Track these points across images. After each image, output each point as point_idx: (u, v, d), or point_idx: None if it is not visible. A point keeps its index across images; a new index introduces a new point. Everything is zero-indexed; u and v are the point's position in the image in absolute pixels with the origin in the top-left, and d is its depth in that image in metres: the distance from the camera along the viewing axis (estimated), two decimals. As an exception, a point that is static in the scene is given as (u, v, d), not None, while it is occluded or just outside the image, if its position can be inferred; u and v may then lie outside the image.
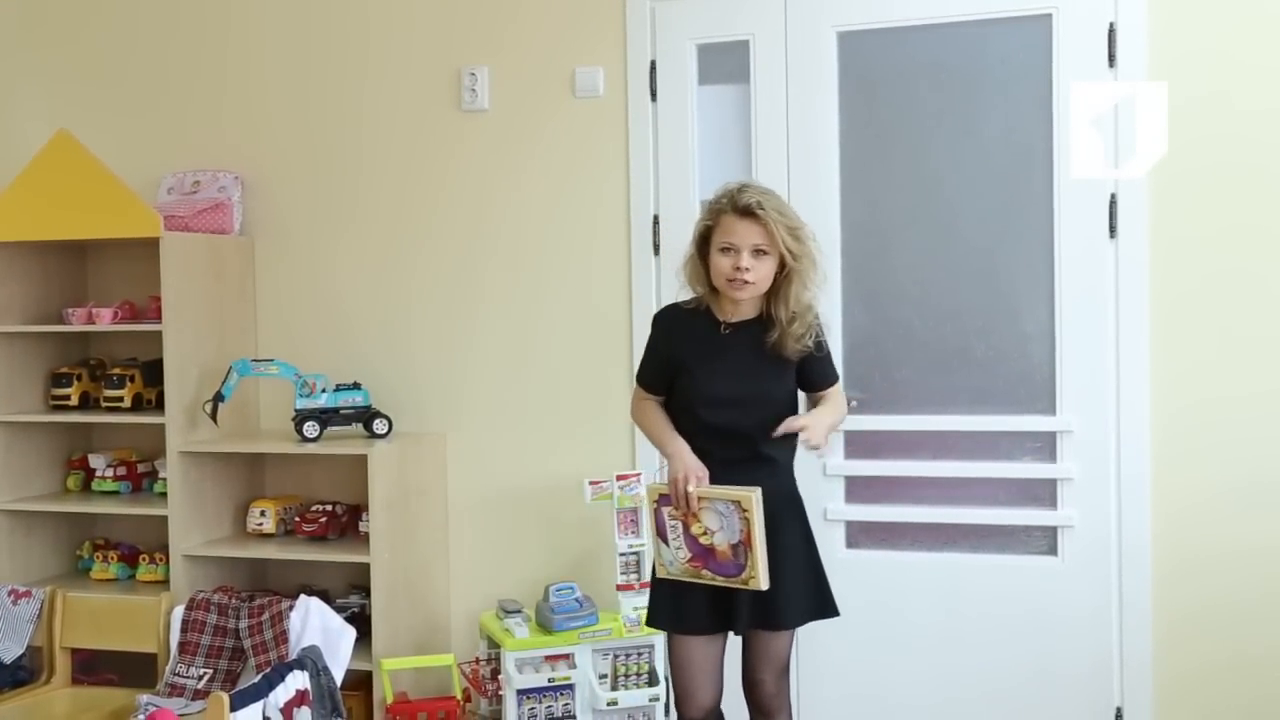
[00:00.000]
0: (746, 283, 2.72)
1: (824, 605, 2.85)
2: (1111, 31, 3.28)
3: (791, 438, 2.78)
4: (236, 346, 3.90)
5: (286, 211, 3.99)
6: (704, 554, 2.69)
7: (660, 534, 2.75)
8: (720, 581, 2.70)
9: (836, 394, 2.95)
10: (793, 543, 2.80)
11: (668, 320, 2.93)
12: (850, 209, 3.51)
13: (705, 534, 2.69)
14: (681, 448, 2.78)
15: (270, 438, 3.87)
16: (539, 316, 3.75)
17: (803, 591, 2.80)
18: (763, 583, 2.64)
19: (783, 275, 2.76)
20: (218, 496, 3.83)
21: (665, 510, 2.73)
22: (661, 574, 2.79)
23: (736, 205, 2.74)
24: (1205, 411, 3.26)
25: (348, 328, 3.94)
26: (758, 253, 2.72)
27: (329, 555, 3.61)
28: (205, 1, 4.05)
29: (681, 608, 2.81)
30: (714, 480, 2.71)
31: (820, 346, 2.85)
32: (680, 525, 2.71)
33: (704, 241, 2.81)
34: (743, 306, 2.83)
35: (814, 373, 2.88)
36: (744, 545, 2.64)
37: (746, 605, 2.75)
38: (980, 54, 3.42)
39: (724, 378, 2.80)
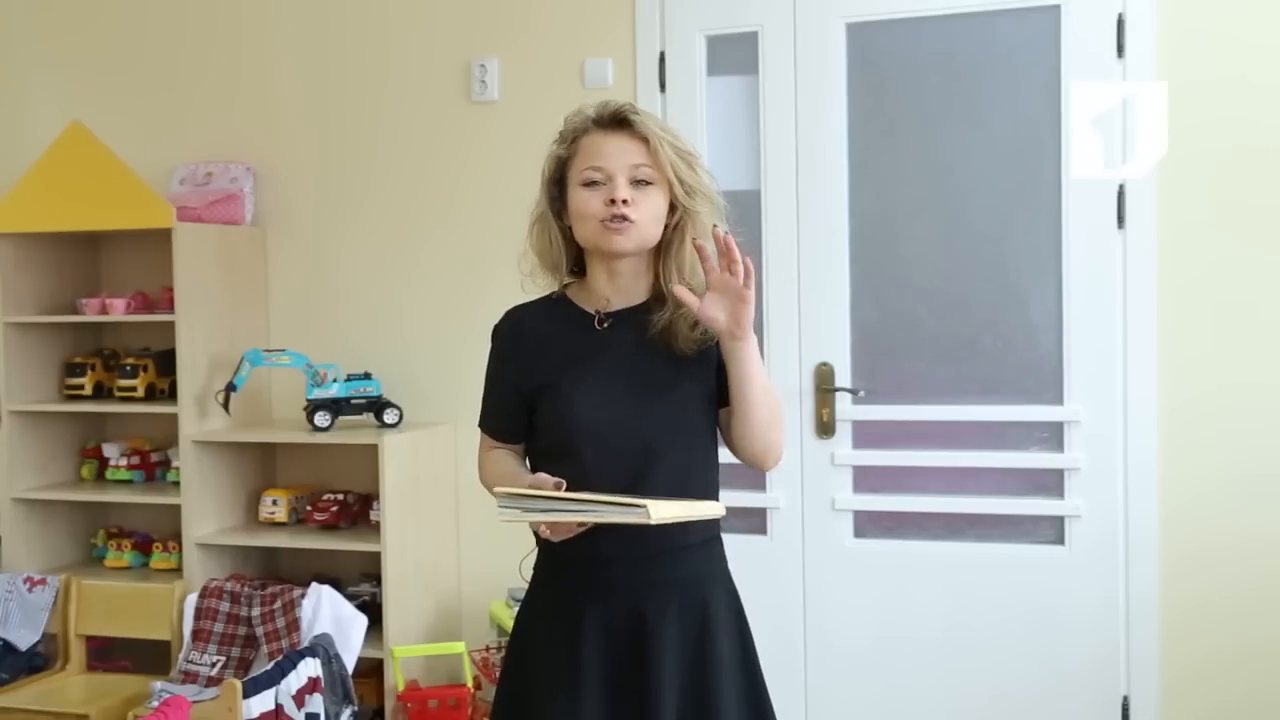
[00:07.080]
0: (627, 219, 1.89)
1: None
2: (1120, 22, 3.27)
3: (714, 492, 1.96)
4: (248, 337, 3.93)
5: (298, 202, 4.01)
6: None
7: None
8: (607, 510, 1.70)
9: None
10: (729, 656, 1.97)
11: (513, 329, 2.04)
12: (858, 200, 3.52)
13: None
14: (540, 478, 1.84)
15: (282, 427, 3.90)
16: (549, 307, 3.76)
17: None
18: (652, 512, 1.66)
19: (673, 227, 1.96)
20: (230, 485, 3.86)
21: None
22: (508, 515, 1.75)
23: (601, 117, 1.96)
24: (1213, 401, 3.26)
25: (359, 318, 3.96)
26: (639, 183, 1.91)
27: (340, 544, 3.64)
28: (217, -7, 4.08)
29: None
30: (607, 573, 1.89)
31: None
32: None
33: (557, 187, 1.99)
34: (623, 282, 1.98)
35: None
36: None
37: None
38: (989, 45, 3.42)
39: (600, 394, 1.93)
